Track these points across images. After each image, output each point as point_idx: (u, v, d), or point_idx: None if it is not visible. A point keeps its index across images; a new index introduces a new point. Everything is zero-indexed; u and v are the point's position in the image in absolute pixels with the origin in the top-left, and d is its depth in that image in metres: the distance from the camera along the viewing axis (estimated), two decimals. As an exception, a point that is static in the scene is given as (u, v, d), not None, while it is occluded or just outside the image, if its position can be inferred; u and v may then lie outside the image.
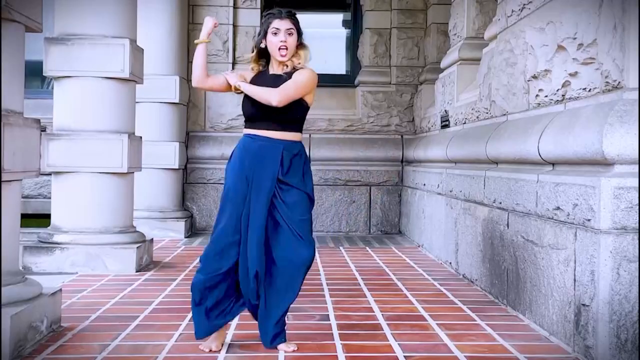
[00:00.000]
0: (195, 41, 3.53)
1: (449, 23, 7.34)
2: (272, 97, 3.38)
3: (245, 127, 3.55)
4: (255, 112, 3.47)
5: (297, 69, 3.51)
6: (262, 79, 3.52)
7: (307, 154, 3.63)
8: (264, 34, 3.50)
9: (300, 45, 3.53)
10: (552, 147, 3.72)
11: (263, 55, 3.57)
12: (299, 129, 3.53)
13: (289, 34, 3.46)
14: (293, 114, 3.48)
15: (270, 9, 3.59)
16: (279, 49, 3.46)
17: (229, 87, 3.52)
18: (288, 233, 3.43)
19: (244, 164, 3.45)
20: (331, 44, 10.12)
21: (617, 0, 3.19)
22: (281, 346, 3.43)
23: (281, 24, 3.46)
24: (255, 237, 3.41)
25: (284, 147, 3.45)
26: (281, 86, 3.42)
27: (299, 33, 3.51)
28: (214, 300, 3.44)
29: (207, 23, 3.55)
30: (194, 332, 3.47)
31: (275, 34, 3.46)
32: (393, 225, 8.94)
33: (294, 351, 3.40)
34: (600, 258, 3.10)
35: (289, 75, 3.48)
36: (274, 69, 3.53)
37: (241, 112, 3.61)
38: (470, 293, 4.87)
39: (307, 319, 4.07)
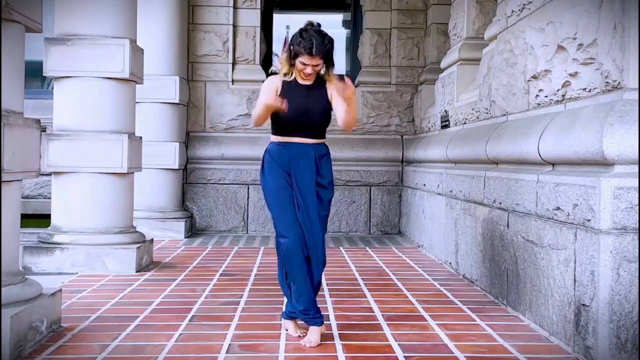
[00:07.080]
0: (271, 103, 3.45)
1: (449, 23, 7.34)
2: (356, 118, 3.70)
3: (278, 135, 3.61)
4: (300, 122, 3.56)
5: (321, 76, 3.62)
6: (295, 88, 3.58)
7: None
8: (292, 56, 3.50)
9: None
10: (552, 147, 3.72)
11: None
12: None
13: (316, 65, 3.52)
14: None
15: (304, 34, 3.50)
16: (303, 76, 3.55)
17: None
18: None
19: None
20: (331, 44, 10.12)
21: (617, 0, 3.19)
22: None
23: (311, 61, 3.50)
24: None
25: (315, 149, 3.62)
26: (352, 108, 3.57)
27: (331, 63, 3.57)
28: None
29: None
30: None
31: (303, 64, 3.51)
32: (393, 225, 8.94)
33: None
34: (600, 258, 3.10)
35: (317, 86, 3.59)
36: (300, 78, 3.61)
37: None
38: (470, 293, 4.87)
39: (307, 319, 4.07)
